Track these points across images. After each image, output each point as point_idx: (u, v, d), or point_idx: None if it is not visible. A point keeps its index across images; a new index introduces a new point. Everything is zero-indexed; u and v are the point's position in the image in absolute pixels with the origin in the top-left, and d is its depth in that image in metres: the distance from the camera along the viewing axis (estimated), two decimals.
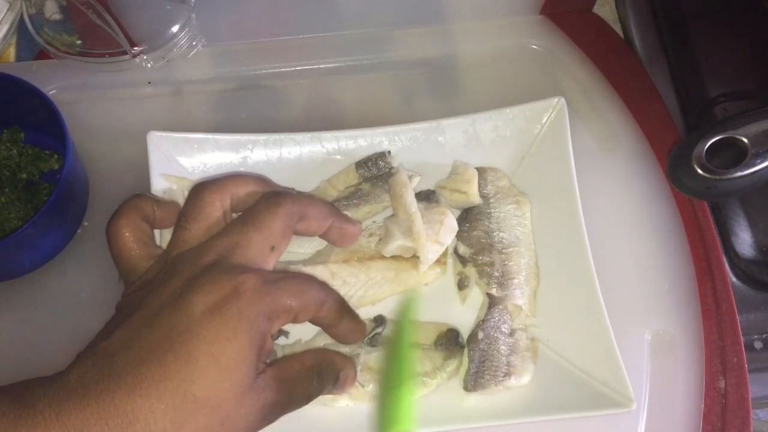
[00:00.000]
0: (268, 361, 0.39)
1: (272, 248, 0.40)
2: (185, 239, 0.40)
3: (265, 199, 0.41)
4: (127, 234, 0.41)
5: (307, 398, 0.40)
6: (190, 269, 0.37)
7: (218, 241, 0.39)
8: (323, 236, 0.46)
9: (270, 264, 0.40)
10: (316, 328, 0.50)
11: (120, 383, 0.32)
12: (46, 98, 0.52)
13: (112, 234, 0.41)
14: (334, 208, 0.46)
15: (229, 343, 0.34)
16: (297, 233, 0.43)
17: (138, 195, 0.43)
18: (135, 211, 0.42)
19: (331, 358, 0.43)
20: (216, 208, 0.41)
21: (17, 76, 0.52)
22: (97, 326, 0.38)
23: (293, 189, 0.48)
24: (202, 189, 0.42)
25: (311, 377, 0.40)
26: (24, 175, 0.56)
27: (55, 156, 0.57)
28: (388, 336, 0.49)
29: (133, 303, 0.37)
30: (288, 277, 0.40)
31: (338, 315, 0.43)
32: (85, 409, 0.31)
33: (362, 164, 0.54)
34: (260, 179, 0.44)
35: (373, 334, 0.49)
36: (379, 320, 0.50)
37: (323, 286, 0.42)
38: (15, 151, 0.56)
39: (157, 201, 0.43)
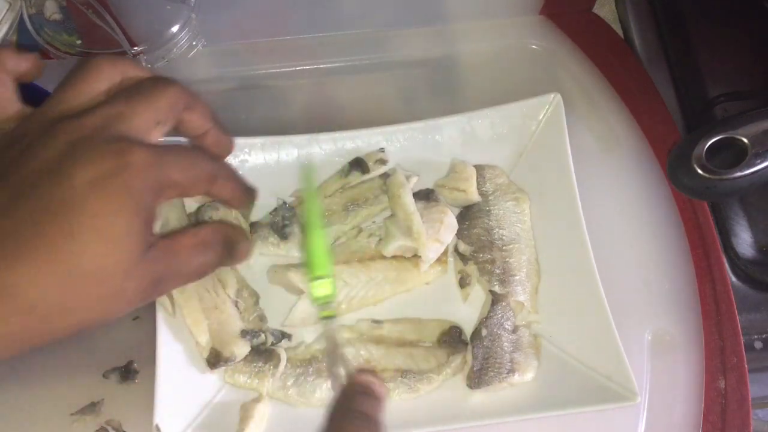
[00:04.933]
0: (158, 230, 0.37)
1: (158, 123, 0.37)
2: (65, 99, 0.36)
3: (155, 77, 0.39)
4: None
5: (201, 271, 0.39)
6: (69, 134, 0.34)
7: (102, 109, 0.36)
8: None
9: (154, 139, 0.37)
10: (317, 331, 0.50)
11: None
12: None
13: None
14: (216, 115, 0.43)
15: (116, 217, 0.33)
16: (180, 127, 0.40)
17: None
18: None
19: (226, 230, 0.41)
20: (104, 77, 0.37)
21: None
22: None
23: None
24: (93, 57, 0.39)
25: (204, 250, 0.39)
26: None
27: None
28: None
29: (1, 162, 0.34)
30: (175, 150, 0.37)
31: (233, 191, 0.41)
32: None
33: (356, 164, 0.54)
34: (154, 75, 0.41)
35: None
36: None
37: (213, 159, 0.41)
38: None
39: (19, 53, 0.40)
